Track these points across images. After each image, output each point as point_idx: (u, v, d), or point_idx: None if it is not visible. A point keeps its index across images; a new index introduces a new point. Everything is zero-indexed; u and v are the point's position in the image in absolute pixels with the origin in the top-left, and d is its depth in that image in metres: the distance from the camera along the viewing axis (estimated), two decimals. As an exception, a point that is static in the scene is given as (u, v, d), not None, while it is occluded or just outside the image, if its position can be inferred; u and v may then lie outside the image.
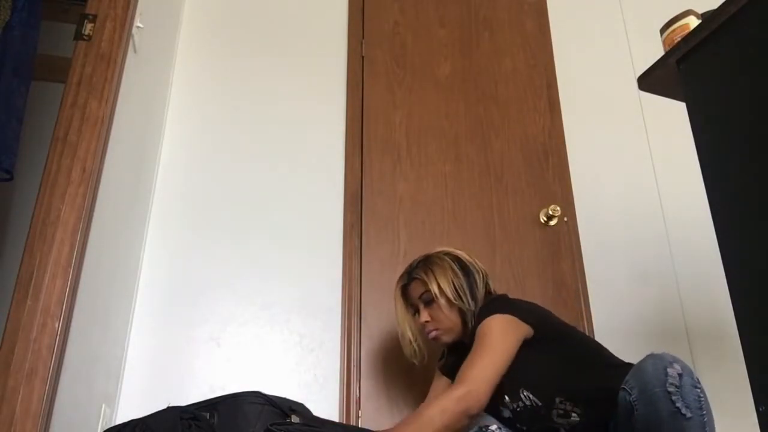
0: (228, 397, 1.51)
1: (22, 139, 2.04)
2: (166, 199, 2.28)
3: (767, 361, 1.00)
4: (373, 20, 2.69)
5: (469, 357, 1.49)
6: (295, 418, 1.49)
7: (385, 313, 2.21)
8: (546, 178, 2.52)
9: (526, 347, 1.52)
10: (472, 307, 1.64)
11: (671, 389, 1.26)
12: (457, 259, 1.71)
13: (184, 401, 1.58)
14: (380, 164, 2.43)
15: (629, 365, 1.47)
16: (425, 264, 1.71)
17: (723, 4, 1.13)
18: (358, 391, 2.09)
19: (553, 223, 2.41)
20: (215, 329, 2.11)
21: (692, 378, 1.29)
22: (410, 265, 1.76)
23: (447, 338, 1.68)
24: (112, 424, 1.71)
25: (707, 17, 1.20)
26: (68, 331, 1.47)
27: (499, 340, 1.50)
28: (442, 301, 1.65)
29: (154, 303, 2.12)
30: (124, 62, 1.80)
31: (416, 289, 1.71)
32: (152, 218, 2.24)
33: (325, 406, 2.01)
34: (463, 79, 2.64)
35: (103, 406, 1.81)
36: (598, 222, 2.48)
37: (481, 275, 1.71)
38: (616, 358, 1.59)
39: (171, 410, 1.47)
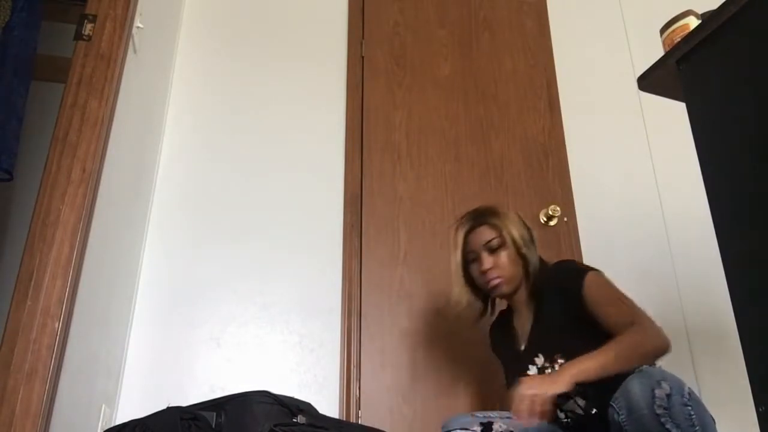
0: (236, 397, 1.51)
1: (22, 139, 2.04)
2: (166, 199, 2.28)
3: (767, 361, 1.00)
4: (373, 20, 2.69)
5: (617, 309, 1.49)
6: (301, 418, 1.49)
7: (385, 313, 2.21)
8: (546, 178, 2.52)
9: (582, 321, 1.52)
10: (535, 264, 1.65)
11: (659, 411, 1.22)
12: (521, 218, 1.73)
13: (184, 401, 1.58)
14: (380, 164, 2.43)
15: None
16: (493, 212, 1.70)
17: (723, 4, 1.13)
18: (358, 391, 2.09)
19: (553, 223, 2.41)
20: (215, 329, 2.11)
21: (682, 395, 1.25)
22: (473, 212, 1.73)
23: (507, 288, 1.66)
24: (112, 424, 1.71)
25: (707, 17, 1.20)
26: (68, 331, 1.47)
27: (621, 291, 1.54)
28: (512, 249, 1.64)
29: (154, 303, 2.12)
30: (124, 62, 1.80)
31: (483, 234, 1.68)
32: (152, 218, 2.24)
33: (325, 406, 2.01)
34: (463, 79, 2.65)
35: (103, 406, 1.81)
36: (598, 222, 2.49)
37: (534, 235, 1.72)
38: None
39: (171, 410, 1.47)
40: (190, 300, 2.14)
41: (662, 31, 1.33)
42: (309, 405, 1.60)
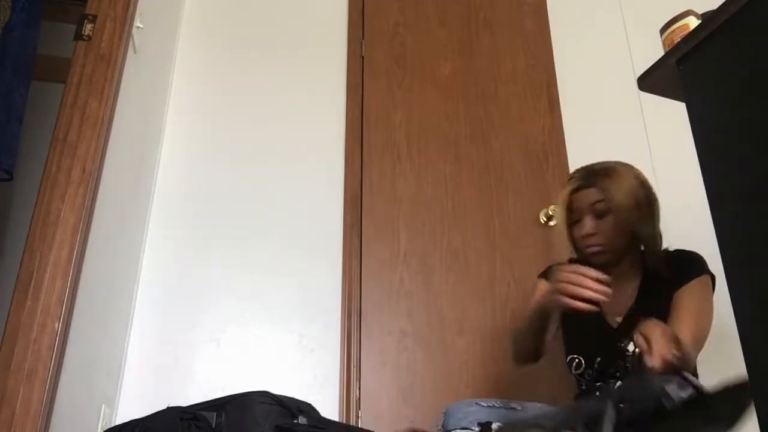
0: (236, 397, 1.51)
1: (22, 139, 2.04)
2: (166, 199, 2.28)
3: (767, 361, 1.00)
4: (373, 20, 2.69)
5: (695, 312, 1.46)
6: (302, 419, 1.49)
7: (385, 313, 2.21)
8: (546, 178, 2.51)
9: None
10: (649, 236, 1.55)
11: None
12: (642, 183, 1.58)
13: (184, 401, 1.58)
14: (380, 165, 2.43)
15: None
16: (607, 172, 1.56)
17: (723, 4, 1.12)
18: (358, 391, 2.09)
19: (553, 223, 2.41)
20: (215, 329, 2.11)
21: None
22: (585, 170, 1.59)
23: (607, 258, 1.55)
24: (112, 425, 1.71)
25: (707, 17, 1.19)
26: (68, 332, 1.47)
27: (712, 314, 1.50)
28: (619, 216, 1.51)
29: (154, 303, 2.12)
30: (124, 62, 1.80)
31: (589, 196, 1.55)
32: (152, 218, 2.24)
33: (325, 406, 2.01)
34: (463, 79, 2.64)
35: (103, 406, 1.81)
36: (598, 222, 2.48)
37: (658, 203, 1.59)
38: None
39: (171, 411, 1.47)
40: (190, 300, 2.14)
41: (662, 31, 1.33)
42: (309, 406, 1.61)
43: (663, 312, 1.51)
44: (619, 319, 1.58)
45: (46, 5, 2.30)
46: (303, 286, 2.21)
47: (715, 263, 1.13)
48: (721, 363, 2.25)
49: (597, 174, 1.57)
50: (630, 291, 1.60)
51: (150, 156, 2.27)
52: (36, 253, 1.48)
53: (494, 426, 1.51)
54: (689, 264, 1.55)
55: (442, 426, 1.55)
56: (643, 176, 1.62)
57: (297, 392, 2.02)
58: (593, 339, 1.61)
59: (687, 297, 1.50)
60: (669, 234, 2.51)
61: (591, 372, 1.59)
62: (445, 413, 1.57)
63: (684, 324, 1.46)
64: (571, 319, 1.68)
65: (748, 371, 1.03)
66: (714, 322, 2.19)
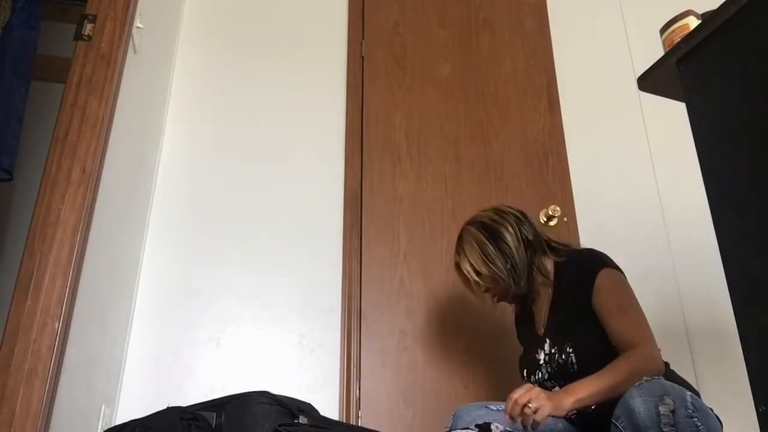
0: (236, 397, 1.51)
1: (22, 139, 2.04)
2: (166, 199, 2.28)
3: (767, 361, 1.00)
4: (373, 20, 2.69)
5: (623, 323, 1.48)
6: (302, 419, 1.49)
7: (385, 313, 2.21)
8: (546, 178, 2.51)
9: (594, 313, 1.53)
10: (510, 267, 1.62)
11: (666, 429, 1.19)
12: (484, 227, 1.67)
13: (184, 401, 1.58)
14: (380, 165, 2.43)
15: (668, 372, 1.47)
16: (459, 244, 1.70)
17: (723, 4, 1.12)
18: (358, 391, 2.09)
19: (552, 223, 2.41)
20: (215, 329, 2.11)
21: (686, 408, 1.22)
22: (458, 237, 1.73)
23: (506, 300, 1.72)
24: (112, 425, 1.71)
25: (707, 17, 1.19)
26: (68, 331, 1.47)
27: (633, 296, 1.53)
28: (484, 279, 1.65)
29: (154, 303, 2.12)
30: (124, 62, 1.80)
31: (461, 276, 1.72)
32: (152, 218, 2.24)
33: (325, 407, 2.01)
34: (463, 79, 2.64)
35: (103, 406, 1.81)
36: (597, 222, 2.48)
37: (513, 228, 1.66)
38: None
39: (171, 410, 1.47)
40: (190, 300, 2.14)
41: (662, 31, 1.33)
42: (310, 405, 1.61)
43: (570, 316, 1.58)
44: (542, 329, 1.67)
45: (46, 5, 2.30)
46: (303, 286, 2.21)
47: (715, 263, 1.13)
48: (721, 363, 2.26)
49: (456, 248, 1.71)
50: (548, 300, 1.68)
51: (150, 156, 2.27)
52: (36, 253, 1.48)
53: (493, 428, 1.51)
54: (586, 265, 1.60)
55: (450, 428, 1.55)
56: (481, 219, 1.69)
57: (297, 392, 2.02)
58: (526, 351, 1.74)
59: (603, 299, 1.53)
60: (669, 233, 2.52)
61: (529, 382, 1.66)
62: (453, 415, 1.57)
63: (623, 324, 1.48)
64: (519, 336, 1.84)
65: (748, 371, 1.03)
66: (714, 320, 2.20)
